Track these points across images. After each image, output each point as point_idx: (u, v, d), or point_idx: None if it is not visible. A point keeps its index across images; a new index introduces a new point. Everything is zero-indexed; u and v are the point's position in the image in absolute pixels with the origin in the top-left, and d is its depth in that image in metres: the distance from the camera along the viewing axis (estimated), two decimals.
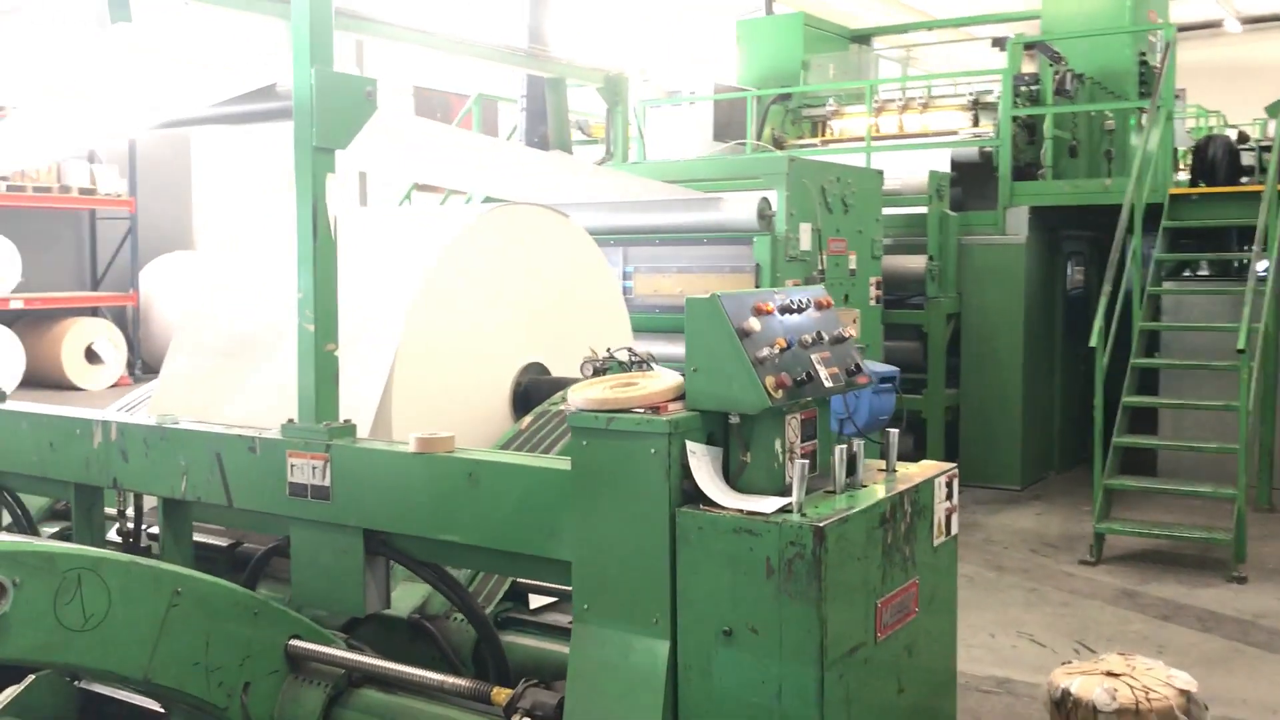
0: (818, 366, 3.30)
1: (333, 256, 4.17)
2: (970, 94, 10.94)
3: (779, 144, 11.26)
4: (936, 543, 3.48)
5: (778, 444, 3.21)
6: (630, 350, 3.88)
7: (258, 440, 4.07)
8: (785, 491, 3.06)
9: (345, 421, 4.10)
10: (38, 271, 16.61)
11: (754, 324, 3.13)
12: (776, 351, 3.13)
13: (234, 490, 4.14)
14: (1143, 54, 10.83)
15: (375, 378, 4.58)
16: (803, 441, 3.33)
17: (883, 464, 3.64)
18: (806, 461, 3.02)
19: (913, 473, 3.53)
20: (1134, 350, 7.77)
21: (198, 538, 4.40)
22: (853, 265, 8.00)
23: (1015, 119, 10.03)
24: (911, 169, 9.43)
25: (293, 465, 4.06)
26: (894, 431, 3.60)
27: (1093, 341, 7.03)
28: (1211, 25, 26.21)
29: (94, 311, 16.68)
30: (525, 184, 6.68)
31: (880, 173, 8.54)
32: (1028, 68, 10.41)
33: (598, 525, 3.16)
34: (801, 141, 11.44)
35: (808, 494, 3.18)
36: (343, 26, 6.76)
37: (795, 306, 3.35)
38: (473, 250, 4.95)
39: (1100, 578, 6.76)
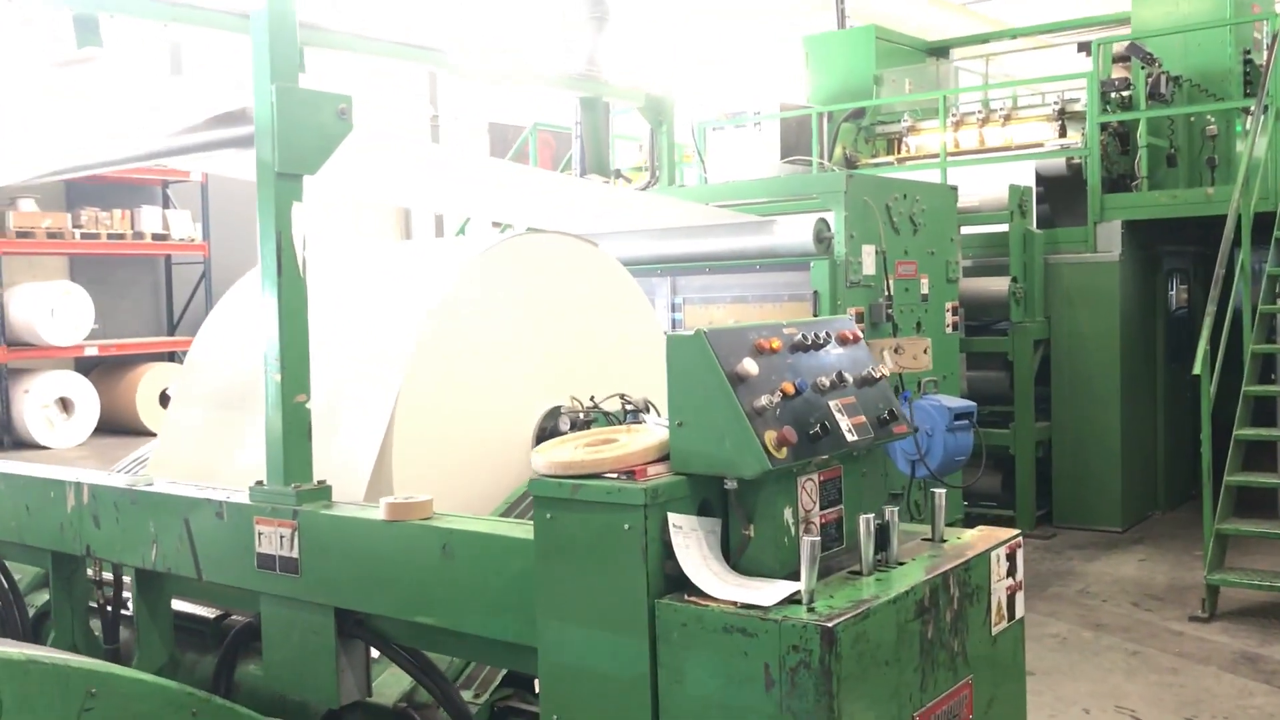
0: (838, 415, 2.68)
1: (301, 296, 3.69)
2: (1056, 103, 10.15)
3: (851, 163, 10.61)
4: (995, 631, 2.82)
5: (788, 513, 2.59)
6: (623, 397, 3.29)
7: (224, 505, 3.61)
8: (797, 574, 2.44)
9: (319, 483, 3.61)
10: (113, 318, 16.69)
11: (750, 367, 2.53)
12: (778, 399, 2.52)
13: (203, 561, 3.70)
14: (1246, 52, 9.93)
15: (373, 429, 4.07)
16: (823, 508, 2.71)
17: (929, 531, 2.99)
18: (817, 539, 2.39)
19: (965, 543, 2.88)
20: (1246, 376, 6.92)
21: (184, 607, 3.98)
22: (925, 290, 7.31)
23: (1105, 127, 9.27)
24: (993, 185, 8.70)
25: (260, 534, 3.59)
26: (941, 492, 2.95)
27: (1196, 369, 6.23)
28: None
29: (170, 357, 16.67)
30: (549, 210, 6.18)
31: (954, 188, 7.84)
32: (1119, 75, 9.61)
33: (564, 618, 2.59)
34: (876, 160, 10.77)
35: (829, 576, 2.57)
36: (329, 44, 6.32)
37: (811, 342, 2.74)
38: (485, 283, 4.48)
39: (1214, 637, 5.94)
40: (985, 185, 8.85)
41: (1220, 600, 6.34)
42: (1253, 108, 8.11)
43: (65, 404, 14.93)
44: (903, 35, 12.20)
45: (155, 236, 16.76)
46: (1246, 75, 9.86)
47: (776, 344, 2.64)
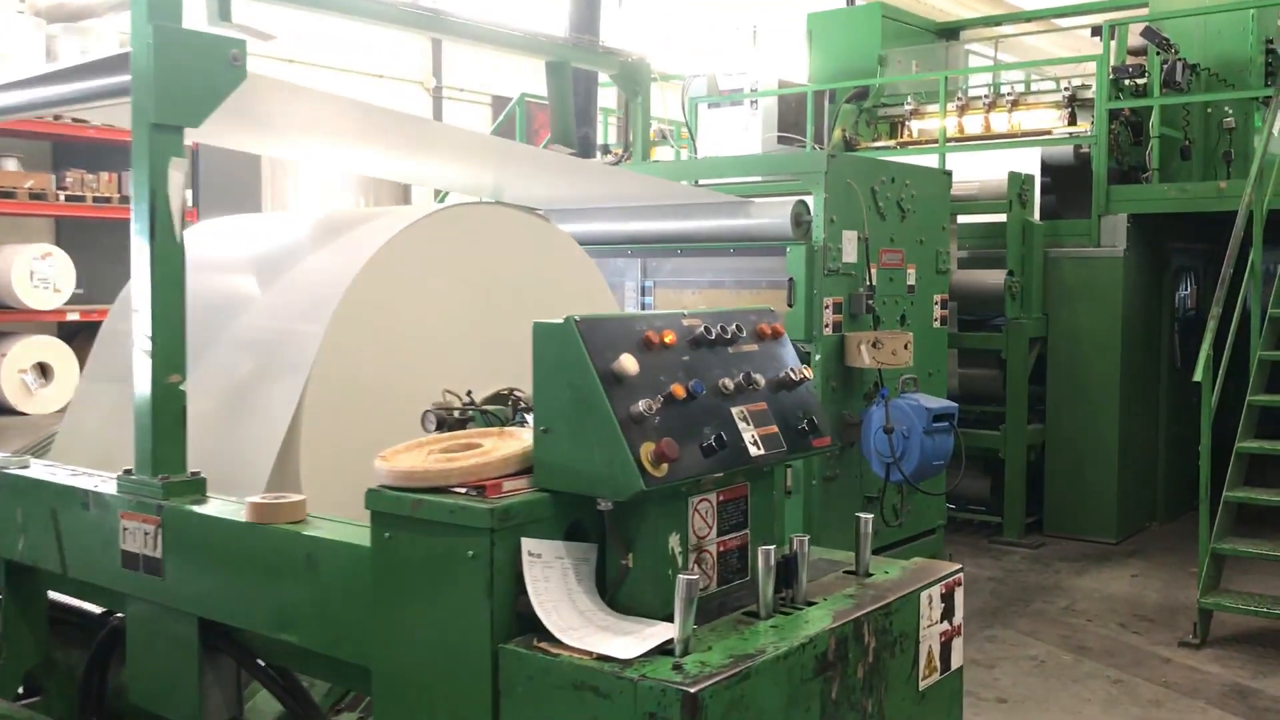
0: (741, 425, 2.25)
1: (177, 263, 3.30)
2: (1066, 89, 9.64)
3: (851, 147, 10.13)
4: (925, 685, 2.39)
5: (674, 541, 2.17)
6: (513, 392, 2.86)
7: (91, 495, 3.23)
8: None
9: (193, 474, 3.22)
10: (99, 284, 16.32)
11: (629, 364, 2.10)
12: (660, 405, 2.09)
13: (69, 555, 3.34)
14: (1269, 41, 9.39)
15: (279, 414, 3.66)
16: (723, 534, 2.28)
17: (852, 561, 2.57)
18: (694, 578, 1.96)
19: (892, 580, 2.45)
20: (1251, 384, 6.46)
21: (69, 600, 3.60)
22: (911, 280, 6.85)
23: (1117, 116, 8.77)
24: (994, 173, 8.22)
25: (125, 529, 3.21)
26: (867, 518, 2.52)
27: (1197, 375, 5.77)
28: None
29: None
30: (503, 180, 5.74)
31: (948, 173, 7.36)
32: (1134, 62, 9.10)
33: (401, 658, 2.17)
34: (877, 144, 10.28)
35: (723, 618, 2.15)
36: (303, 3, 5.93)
37: (717, 336, 2.31)
38: (412, 258, 4.08)
39: (1205, 667, 5.50)
40: (987, 173, 8.38)
41: (1214, 625, 5.91)
42: (1272, 98, 7.62)
43: (44, 370, 14.59)
44: (910, 15, 11.68)
45: None
46: (1269, 65, 9.33)
47: (670, 337, 2.21)
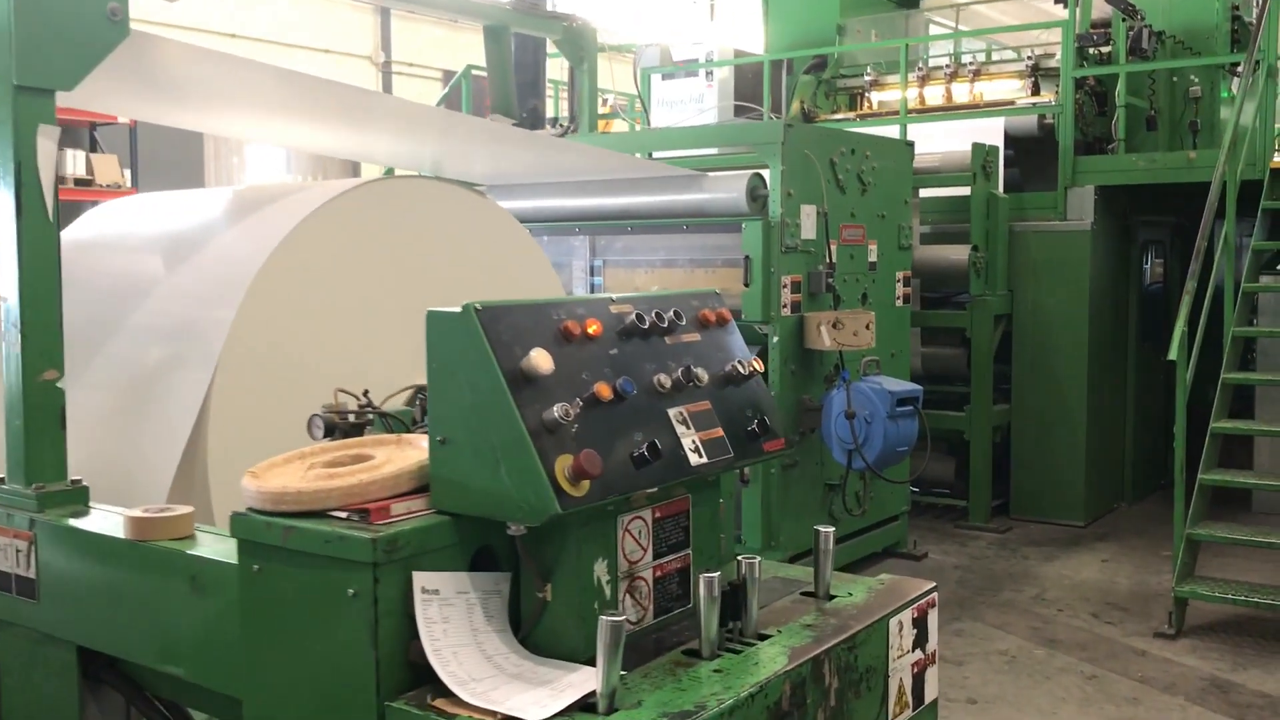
0: (680, 429, 1.91)
1: (49, 243, 2.93)
2: (1030, 58, 9.35)
3: (809, 118, 9.78)
4: None
5: (601, 568, 1.84)
6: (419, 390, 2.50)
7: None
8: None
9: (73, 483, 2.87)
10: None
11: (542, 361, 1.75)
12: (577, 410, 1.75)
13: None
14: (1235, 8, 9.15)
15: (183, 412, 3.30)
16: (660, 556, 1.95)
17: (811, 579, 2.25)
18: (619, 619, 1.62)
19: (857, 604, 2.13)
20: (1225, 362, 6.21)
21: None
22: (873, 257, 6.54)
23: (1081, 85, 8.48)
24: (957, 144, 7.92)
25: None
26: (827, 532, 2.20)
27: (1172, 353, 5.50)
28: None
29: None
30: (436, 155, 5.37)
31: (910, 144, 7.05)
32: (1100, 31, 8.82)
33: (274, 709, 1.82)
34: (836, 117, 9.95)
35: (661, 658, 1.82)
36: None
37: (652, 325, 1.98)
38: (336, 235, 3.75)
39: (1182, 659, 5.25)
40: (949, 145, 8.08)
41: (1189, 613, 5.66)
42: (1241, 65, 7.37)
43: None
44: None
45: (78, 181, 15.78)
46: (1235, 33, 9.10)
47: (595, 328, 1.87)
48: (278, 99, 4.32)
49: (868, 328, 5.89)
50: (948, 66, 9.58)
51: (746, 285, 5.81)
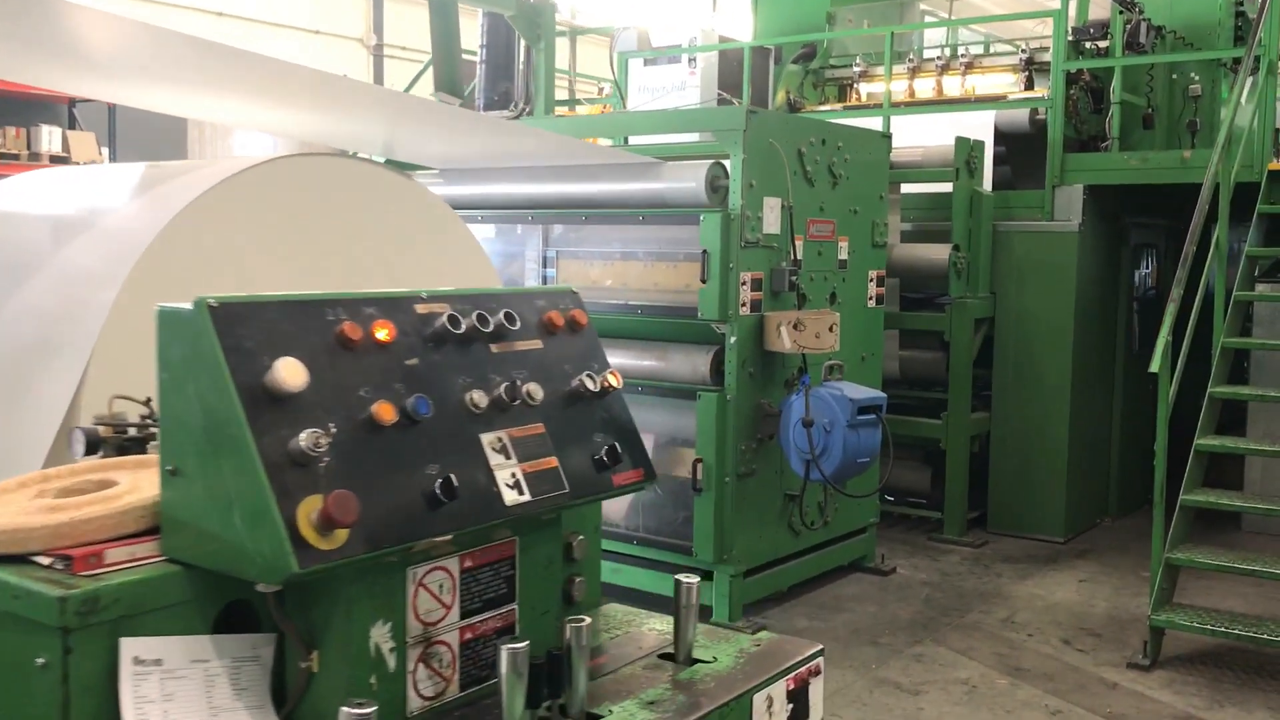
0: (495, 460, 1.56)
1: None
2: (1024, 51, 8.97)
3: (795, 110, 9.42)
4: None
5: (382, 633, 1.48)
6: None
7: None
8: None
9: None
10: None
11: (289, 374, 1.39)
12: (328, 438, 1.39)
13: None
14: (1239, 3, 8.77)
15: (54, 401, 2.97)
16: (470, 614, 1.59)
17: (668, 634, 1.88)
18: (364, 715, 1.26)
19: (716, 675, 1.77)
20: (1213, 374, 5.84)
21: None
22: (843, 255, 6.17)
23: (1075, 80, 8.10)
24: (942, 139, 7.53)
25: None
26: (690, 583, 1.84)
27: (1154, 365, 5.13)
28: None
29: None
30: (388, 137, 5.02)
31: (887, 136, 6.68)
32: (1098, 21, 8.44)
33: None
34: (824, 108, 9.58)
35: None
36: None
37: (469, 329, 1.62)
38: (236, 214, 3.43)
39: (1155, 694, 4.89)
40: (935, 139, 7.70)
41: (1166, 642, 5.30)
42: (1241, 60, 6.98)
43: None
44: None
45: (54, 159, 15.44)
46: (1238, 30, 8.72)
47: (386, 332, 1.51)
48: (205, 73, 3.99)
49: (831, 329, 5.53)
50: (939, 59, 9.21)
51: (704, 281, 5.45)
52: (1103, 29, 8.28)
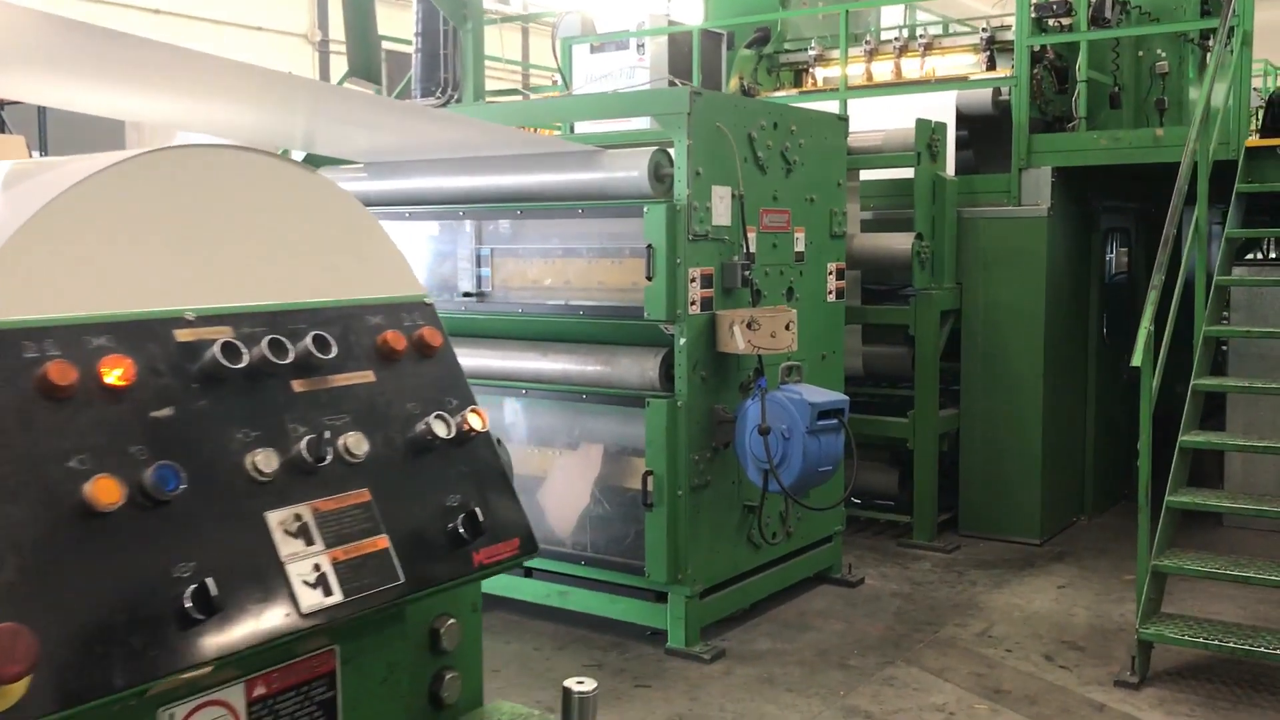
0: (290, 548, 1.11)
1: None
2: (985, 30, 8.60)
3: (749, 95, 9.00)
4: None
5: None
6: None
7: None
8: None
9: None
10: None
11: None
12: None
13: None
14: None
15: None
16: None
17: None
18: None
19: None
20: (1196, 365, 5.47)
21: None
22: (800, 246, 5.76)
23: (1039, 59, 7.74)
24: (902, 123, 7.13)
25: None
26: (583, 693, 1.39)
27: (1136, 359, 4.75)
28: None
29: None
30: (307, 129, 4.56)
31: (843, 119, 6.26)
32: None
33: None
34: (779, 93, 9.17)
35: None
36: None
37: (260, 363, 1.17)
38: (103, 215, 2.91)
39: (1146, 715, 4.52)
40: (895, 124, 7.30)
41: (1155, 654, 4.92)
42: (1211, 39, 6.64)
43: None
44: None
45: None
46: (1205, 7, 8.37)
47: (119, 374, 1.07)
48: (87, 60, 3.51)
49: (788, 328, 5.11)
50: (897, 40, 8.83)
51: (649, 278, 5.01)
52: (1066, 6, 7.93)
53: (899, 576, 6.36)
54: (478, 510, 1.29)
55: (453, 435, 1.30)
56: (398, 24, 10.60)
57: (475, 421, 1.33)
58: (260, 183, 3.41)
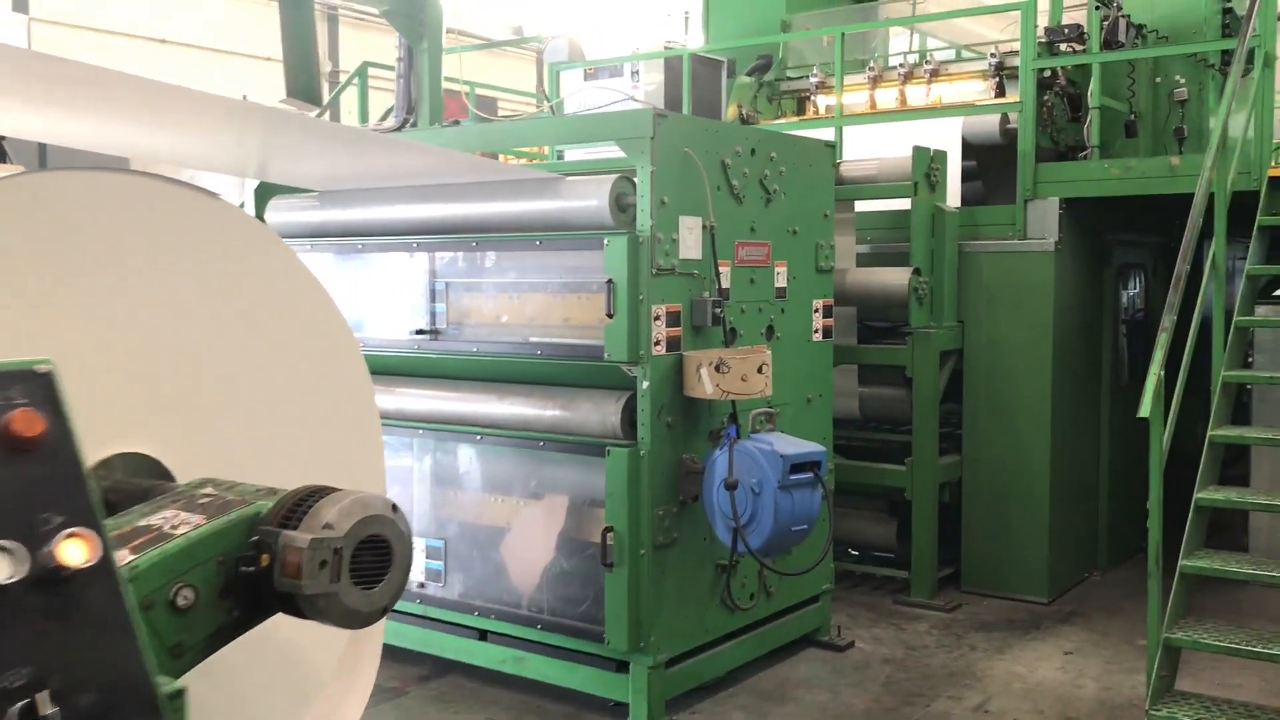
0: None
1: None
2: (994, 55, 8.18)
3: (748, 124, 8.62)
4: None
5: None
6: None
7: None
8: None
9: None
10: None
11: None
12: None
13: None
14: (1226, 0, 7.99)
15: None
16: None
17: None
18: None
19: None
20: (1214, 413, 5.00)
21: None
22: (781, 282, 5.33)
23: (1050, 85, 7.35)
24: (902, 151, 6.70)
25: None
26: None
27: (1144, 409, 4.29)
28: None
29: None
30: (261, 156, 4.22)
31: (830, 145, 5.84)
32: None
33: None
34: (780, 121, 8.79)
35: None
36: None
37: None
38: None
39: None
40: (896, 152, 6.88)
41: None
42: (1231, 55, 6.19)
43: None
44: None
45: None
46: (1226, 28, 7.93)
47: None
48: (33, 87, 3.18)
49: (761, 370, 4.66)
50: (902, 67, 8.43)
51: (610, 316, 4.60)
52: (1078, 31, 7.51)
53: (893, 639, 5.87)
54: (52, 696, 0.86)
55: (25, 576, 0.88)
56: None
57: (75, 553, 0.92)
58: (153, 209, 3.03)
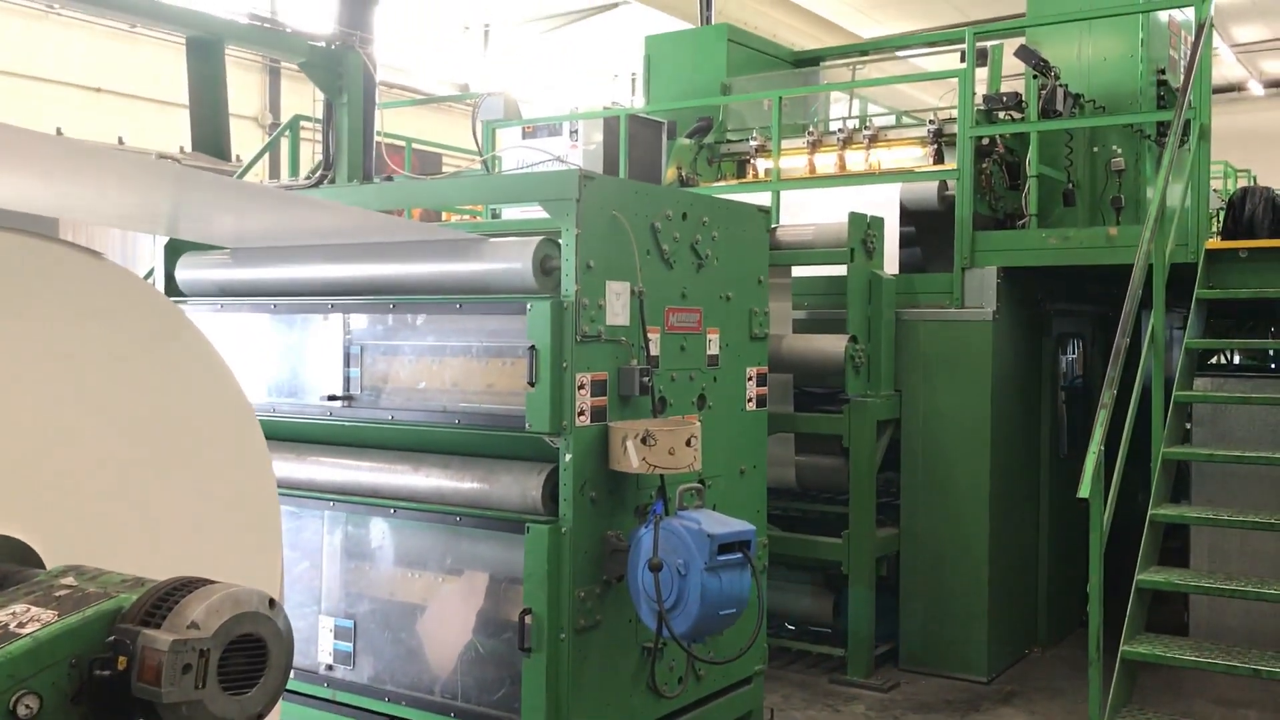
0: None
1: None
2: (933, 122, 8.16)
3: (687, 187, 8.51)
4: None
5: None
6: None
7: None
8: None
9: None
10: None
11: None
12: None
13: None
14: (1160, 72, 8.05)
15: None
16: None
17: None
18: None
19: None
20: (1155, 490, 4.87)
21: None
22: (713, 349, 5.14)
23: (989, 153, 7.31)
24: (838, 217, 6.60)
25: None
26: None
27: (1083, 490, 4.13)
28: (1235, 89, 23.98)
29: None
30: (171, 210, 3.96)
31: (764, 210, 5.69)
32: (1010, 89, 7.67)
33: None
34: (720, 184, 8.69)
35: None
36: None
37: None
38: None
39: None
40: (839, 218, 6.78)
41: None
42: (1166, 126, 6.18)
43: None
44: (763, 40, 10.22)
45: None
46: (1160, 99, 7.98)
47: None
48: None
49: (689, 443, 4.45)
50: (841, 132, 8.38)
51: (531, 384, 4.37)
52: (1016, 99, 7.52)
53: None
54: None
55: None
56: None
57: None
58: (57, 284, 2.79)
